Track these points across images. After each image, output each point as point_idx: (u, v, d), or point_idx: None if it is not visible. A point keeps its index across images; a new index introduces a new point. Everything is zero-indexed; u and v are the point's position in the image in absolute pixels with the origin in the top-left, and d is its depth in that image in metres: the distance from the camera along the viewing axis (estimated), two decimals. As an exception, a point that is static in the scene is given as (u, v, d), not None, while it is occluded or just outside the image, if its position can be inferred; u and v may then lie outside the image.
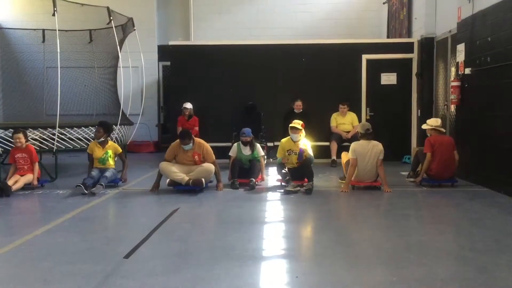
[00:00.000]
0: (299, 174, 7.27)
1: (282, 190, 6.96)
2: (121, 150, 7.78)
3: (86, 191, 6.77)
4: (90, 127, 8.62)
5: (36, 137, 8.11)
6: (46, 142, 8.06)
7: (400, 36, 11.47)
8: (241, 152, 7.59)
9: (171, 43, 10.88)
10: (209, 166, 7.03)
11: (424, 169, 7.27)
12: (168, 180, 6.96)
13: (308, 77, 10.52)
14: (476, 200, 6.32)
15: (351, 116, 10.22)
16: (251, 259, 3.96)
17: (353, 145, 7.24)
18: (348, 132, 10.06)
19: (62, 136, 8.26)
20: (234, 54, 10.58)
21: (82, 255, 4.10)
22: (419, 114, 10.31)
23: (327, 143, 10.19)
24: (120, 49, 9.37)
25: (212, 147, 10.25)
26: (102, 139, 7.47)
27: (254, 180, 7.29)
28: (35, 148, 7.56)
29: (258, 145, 7.67)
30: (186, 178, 6.82)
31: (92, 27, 10.86)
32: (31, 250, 4.27)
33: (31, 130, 8.14)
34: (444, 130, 7.79)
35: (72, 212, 5.70)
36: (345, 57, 10.51)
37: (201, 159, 7.09)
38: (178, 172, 6.85)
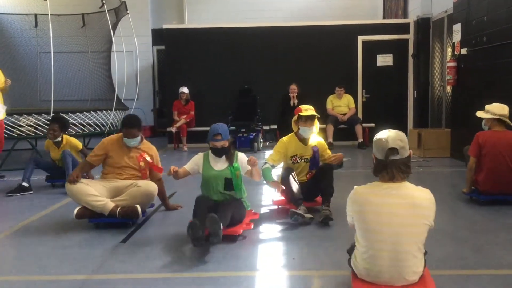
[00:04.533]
0: (309, 192, 4.70)
1: (290, 216, 4.39)
2: (81, 146, 6.32)
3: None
4: (85, 113, 8.57)
5: (31, 123, 8.06)
6: (41, 128, 8.01)
7: (396, 17, 11.39)
8: (209, 167, 4.16)
9: (165, 26, 10.77)
10: (149, 186, 4.44)
11: (468, 179, 5.13)
12: (77, 210, 4.32)
13: (304, 60, 10.45)
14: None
15: (347, 99, 10.18)
16: (248, 242, 3.97)
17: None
18: (344, 114, 10.04)
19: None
20: (229, 37, 10.49)
21: (79, 241, 4.10)
22: (415, 96, 10.30)
23: (323, 126, 10.16)
24: (114, 33, 9.28)
25: (207, 131, 10.35)
26: (58, 139, 6.09)
27: (221, 229, 3.65)
28: (30, 134, 7.49)
29: (241, 154, 4.28)
30: (111, 205, 4.28)
31: (85, 11, 10.74)
32: (27, 235, 4.26)
33: (25, 116, 8.09)
34: None
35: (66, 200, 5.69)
36: (340, 39, 10.44)
37: (146, 169, 4.64)
38: (97, 196, 4.28)
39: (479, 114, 5.15)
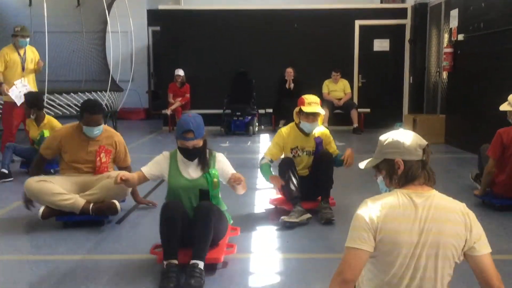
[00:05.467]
0: (310, 188, 4.18)
1: (282, 225, 3.89)
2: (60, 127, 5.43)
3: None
4: (80, 93, 8.51)
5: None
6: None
7: (393, 2, 11.32)
8: (178, 174, 3.19)
9: (161, 7, 10.66)
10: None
11: (484, 182, 4.46)
12: (43, 209, 3.79)
13: (300, 43, 10.40)
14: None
15: (343, 83, 10.17)
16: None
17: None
18: (340, 99, 10.03)
19: (51, 103, 8.15)
20: (225, 19, 10.41)
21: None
22: (411, 81, 10.30)
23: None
24: (109, 13, 9.17)
25: (203, 114, 10.38)
26: (32, 116, 5.69)
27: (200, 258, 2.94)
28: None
29: (220, 156, 3.30)
30: (81, 201, 3.79)
31: (78, -10, 10.60)
32: (22, 217, 4.26)
33: None
34: None
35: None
36: (337, 23, 10.38)
37: (108, 162, 4.07)
38: (63, 194, 3.75)
39: (503, 107, 4.31)
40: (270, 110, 10.13)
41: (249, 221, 4.13)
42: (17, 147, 5.95)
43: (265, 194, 4.90)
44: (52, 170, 5.56)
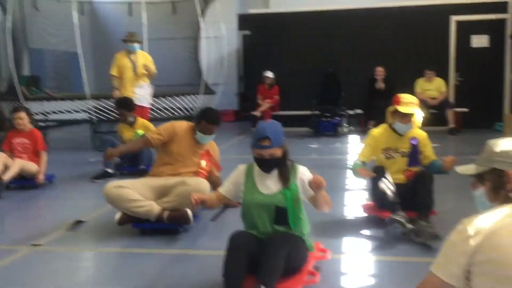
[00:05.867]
0: (404, 198, 3.74)
1: (388, 223, 3.59)
2: (153, 128, 5.59)
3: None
4: (175, 97, 8.93)
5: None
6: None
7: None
8: (253, 188, 2.85)
9: (250, 11, 10.88)
10: (200, 184, 3.77)
11: None
12: (119, 215, 3.79)
13: (392, 42, 10.11)
14: None
15: (438, 82, 9.74)
16: None
17: None
18: (434, 98, 9.63)
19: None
20: (314, 21, 10.40)
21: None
22: (512, 79, 9.65)
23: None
24: (202, 19, 9.53)
25: (291, 115, 10.52)
26: (130, 119, 6.01)
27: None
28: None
29: (303, 168, 2.89)
30: (157, 208, 3.72)
31: (176, -1, 11.14)
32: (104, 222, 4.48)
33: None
34: None
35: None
36: (431, 19, 9.96)
37: (208, 169, 4.13)
38: (139, 200, 3.70)
39: None
40: (360, 111, 9.96)
41: (338, 228, 4.07)
42: (115, 142, 6.17)
43: (356, 198, 4.84)
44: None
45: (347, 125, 9.78)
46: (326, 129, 9.60)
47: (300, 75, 10.39)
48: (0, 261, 3.35)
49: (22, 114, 5.61)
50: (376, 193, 3.73)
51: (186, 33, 11.21)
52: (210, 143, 4.19)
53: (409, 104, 3.83)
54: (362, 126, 9.96)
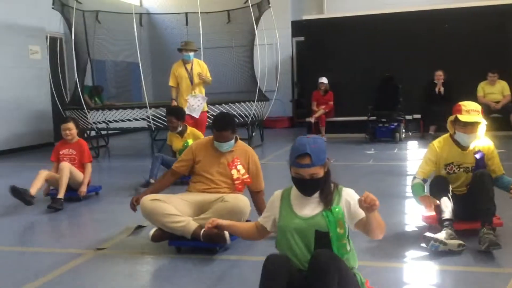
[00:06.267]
0: (467, 207, 3.57)
1: (425, 243, 3.36)
2: (202, 137, 5.74)
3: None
4: (230, 104, 9.04)
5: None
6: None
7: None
8: (290, 212, 2.41)
9: (305, 17, 10.88)
10: (238, 202, 3.52)
11: None
12: (154, 230, 3.60)
13: (451, 44, 9.80)
14: None
15: (501, 85, 9.33)
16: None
17: None
18: (497, 102, 9.22)
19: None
20: (369, 25, 10.25)
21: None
22: None
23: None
24: (256, 27, 9.62)
25: (347, 121, 10.40)
26: (179, 128, 5.95)
27: None
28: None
29: (348, 190, 2.42)
30: (193, 225, 3.48)
31: (230, 8, 11.29)
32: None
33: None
34: None
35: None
36: (493, 20, 9.58)
37: (244, 180, 3.75)
38: (176, 216, 3.49)
39: None
40: (418, 116, 9.69)
41: (398, 236, 3.96)
42: (165, 158, 6.16)
43: (416, 206, 4.69)
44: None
45: (405, 131, 9.54)
46: (383, 134, 9.41)
47: (355, 80, 10.26)
48: (70, 263, 3.50)
49: (70, 125, 5.50)
50: (436, 209, 3.53)
51: (240, 41, 11.35)
52: (245, 150, 3.81)
53: (471, 112, 3.48)
54: (421, 132, 9.70)
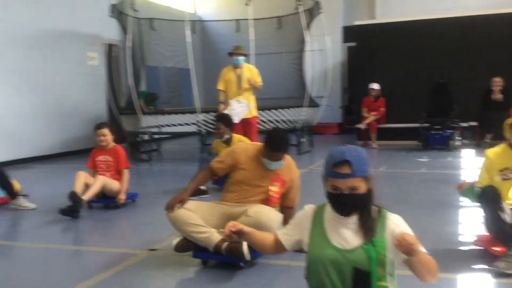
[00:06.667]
0: None
1: (495, 269, 3.06)
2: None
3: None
4: (279, 109, 9.06)
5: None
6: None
7: None
8: (323, 240, 2.02)
9: (356, 23, 10.77)
10: (261, 216, 3.28)
11: None
12: (178, 240, 3.46)
13: (510, 50, 9.42)
14: None
15: None
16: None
17: None
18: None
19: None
20: (422, 30, 10.02)
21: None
22: None
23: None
24: (307, 32, 9.61)
25: (399, 128, 10.18)
26: (226, 136, 5.69)
27: None
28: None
29: (395, 218, 1.98)
30: (216, 237, 3.33)
31: (281, 14, 11.34)
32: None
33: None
34: None
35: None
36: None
37: (280, 193, 3.55)
38: (200, 226, 3.35)
39: None
40: (474, 123, 9.37)
41: (452, 250, 3.83)
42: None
43: (470, 216, 4.54)
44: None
45: (459, 138, 9.24)
46: (436, 142, 9.16)
47: (407, 86, 10.04)
48: (124, 262, 3.61)
49: (105, 131, 5.35)
50: (493, 222, 3.22)
51: (291, 47, 11.37)
52: (289, 168, 3.60)
53: None
54: (477, 140, 9.37)
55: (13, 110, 8.94)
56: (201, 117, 8.81)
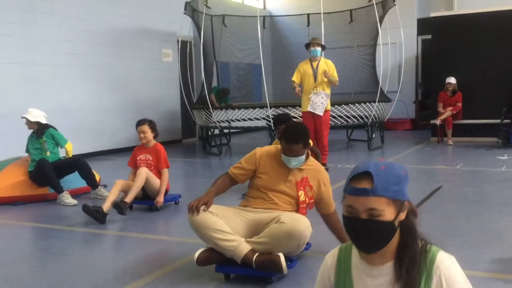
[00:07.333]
0: None
1: None
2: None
3: None
4: (350, 105, 8.93)
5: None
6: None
7: None
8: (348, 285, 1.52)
9: (432, 14, 10.36)
10: (298, 224, 2.90)
11: None
12: (200, 252, 3.02)
13: None
14: None
15: None
16: None
17: None
18: None
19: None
20: (502, 21, 9.47)
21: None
22: None
23: None
24: (380, 26, 9.39)
25: (477, 124, 9.69)
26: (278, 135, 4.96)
27: None
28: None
29: (445, 261, 1.39)
30: (245, 248, 2.96)
31: (353, 7, 11.15)
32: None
33: (290, 108, 8.73)
34: None
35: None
36: None
37: (309, 202, 3.20)
38: (227, 233, 2.96)
39: None
40: None
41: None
42: None
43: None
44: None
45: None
46: (518, 139, 8.65)
47: (486, 80, 9.54)
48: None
49: (145, 128, 5.06)
50: None
51: (362, 41, 11.15)
52: (318, 170, 3.24)
53: None
54: None
55: (95, 105, 9.45)
56: (270, 111, 8.86)
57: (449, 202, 5.05)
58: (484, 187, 5.76)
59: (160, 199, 4.95)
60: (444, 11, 11.60)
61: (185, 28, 10.38)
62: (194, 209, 2.93)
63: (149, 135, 5.10)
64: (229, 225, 3.00)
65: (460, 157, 7.86)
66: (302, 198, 3.14)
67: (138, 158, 5.14)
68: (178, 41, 10.60)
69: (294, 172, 3.18)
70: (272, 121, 5.23)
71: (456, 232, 3.96)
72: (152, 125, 5.18)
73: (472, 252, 3.45)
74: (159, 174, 5.06)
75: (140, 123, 5.15)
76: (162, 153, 5.09)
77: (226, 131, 10.62)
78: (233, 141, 11.30)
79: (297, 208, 3.16)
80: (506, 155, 7.90)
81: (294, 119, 6.36)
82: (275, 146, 3.32)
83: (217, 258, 3.01)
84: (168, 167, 5.13)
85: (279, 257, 2.87)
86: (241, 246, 2.93)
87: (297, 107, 8.31)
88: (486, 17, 9.67)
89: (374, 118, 9.11)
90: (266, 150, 3.30)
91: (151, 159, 5.09)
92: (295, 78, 7.15)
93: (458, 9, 11.83)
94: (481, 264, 3.22)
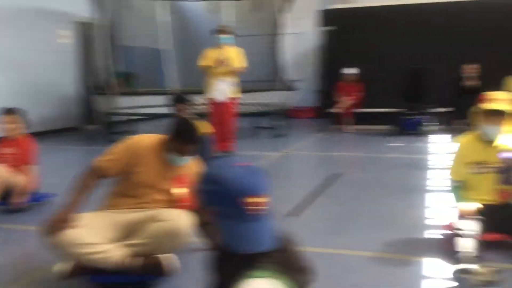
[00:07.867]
0: (500, 221, 3.06)
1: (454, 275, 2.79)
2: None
3: None
4: (252, 92, 8.99)
5: None
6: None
7: None
8: None
9: (331, 7, 10.72)
10: (180, 221, 2.68)
11: None
12: (64, 266, 2.68)
13: (486, 36, 9.45)
14: None
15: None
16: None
17: None
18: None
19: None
20: (398, 15, 10.03)
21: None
22: None
23: None
24: (281, 16, 9.51)
25: (374, 113, 10.19)
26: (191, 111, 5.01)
27: None
28: None
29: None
30: (117, 254, 2.64)
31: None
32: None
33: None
34: None
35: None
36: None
37: (186, 198, 2.88)
38: (94, 245, 2.59)
39: None
40: (448, 109, 9.49)
41: (418, 233, 3.89)
42: None
43: (438, 200, 4.60)
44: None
45: (435, 123, 9.34)
46: (410, 127, 9.25)
47: (384, 71, 10.06)
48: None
49: (12, 118, 4.40)
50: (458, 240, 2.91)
51: (265, 30, 11.25)
52: (190, 165, 2.97)
53: (495, 100, 3.10)
54: (452, 125, 9.48)
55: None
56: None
57: (347, 188, 5.26)
58: (381, 173, 6.08)
59: (19, 199, 4.25)
60: (343, 4, 12.06)
61: (84, 8, 9.81)
62: (50, 231, 2.57)
63: (17, 126, 4.41)
64: (99, 233, 2.64)
65: (359, 144, 8.25)
66: (180, 195, 2.88)
67: (1, 153, 4.39)
68: (75, 23, 9.98)
69: (174, 168, 2.91)
70: (171, 99, 5.18)
71: (351, 216, 4.13)
72: (21, 114, 4.51)
73: (365, 235, 3.62)
74: (26, 169, 4.39)
75: (5, 112, 4.43)
76: (28, 146, 4.45)
77: (131, 118, 10.25)
78: (141, 128, 10.94)
79: (175, 206, 2.86)
80: (399, 142, 8.42)
81: (199, 106, 6.30)
82: (153, 136, 2.98)
83: (88, 268, 2.65)
84: (33, 164, 4.48)
85: (159, 260, 2.65)
86: (115, 254, 2.62)
87: (203, 94, 8.24)
88: (383, 11, 10.17)
89: (276, 107, 9.26)
90: (140, 140, 2.94)
91: (16, 153, 4.38)
92: (203, 62, 7.07)
93: (354, 2, 12.34)
94: (373, 245, 3.37)
